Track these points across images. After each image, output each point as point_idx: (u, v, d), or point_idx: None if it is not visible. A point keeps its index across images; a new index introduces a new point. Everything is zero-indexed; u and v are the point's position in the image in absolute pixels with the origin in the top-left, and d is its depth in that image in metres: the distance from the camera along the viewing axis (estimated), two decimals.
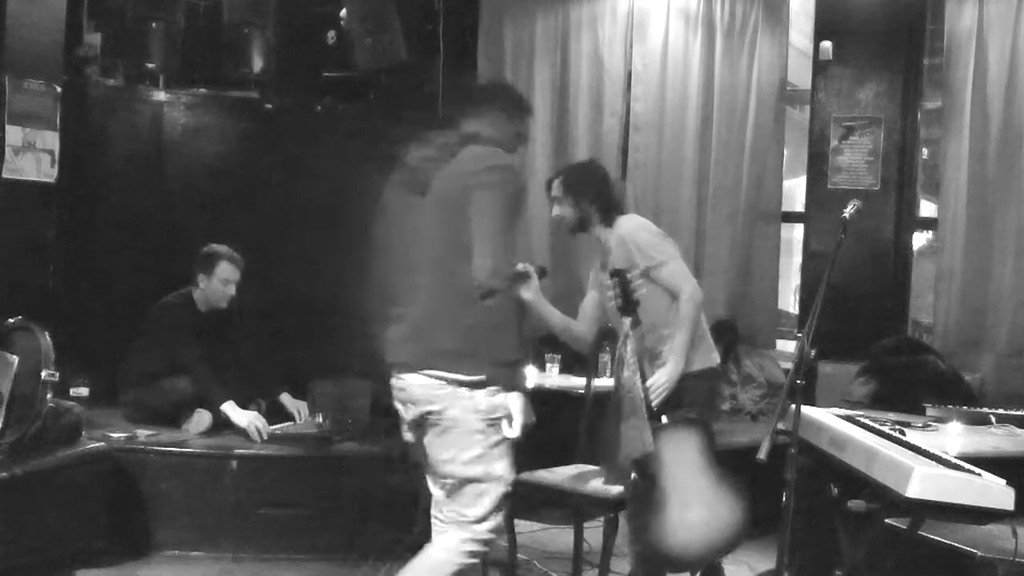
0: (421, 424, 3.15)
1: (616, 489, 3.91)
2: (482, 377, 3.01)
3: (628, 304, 3.66)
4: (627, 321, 3.70)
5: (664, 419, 3.75)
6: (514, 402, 3.07)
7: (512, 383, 3.06)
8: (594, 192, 4.09)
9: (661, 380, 3.80)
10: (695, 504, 3.61)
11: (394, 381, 3.18)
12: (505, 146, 3.25)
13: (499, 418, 3.05)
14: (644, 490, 3.71)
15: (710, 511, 3.67)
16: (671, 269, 3.98)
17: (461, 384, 3.01)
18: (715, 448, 3.76)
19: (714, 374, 4.13)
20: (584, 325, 4.13)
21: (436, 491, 3.18)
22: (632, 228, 4.05)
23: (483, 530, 3.06)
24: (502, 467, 3.08)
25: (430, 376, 3.04)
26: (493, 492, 3.07)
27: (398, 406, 3.22)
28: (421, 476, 3.32)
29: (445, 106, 6.90)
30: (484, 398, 3.03)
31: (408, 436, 3.28)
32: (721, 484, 3.68)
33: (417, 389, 3.08)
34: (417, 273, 3.11)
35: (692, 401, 3.88)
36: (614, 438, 3.87)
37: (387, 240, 3.27)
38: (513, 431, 3.08)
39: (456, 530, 3.07)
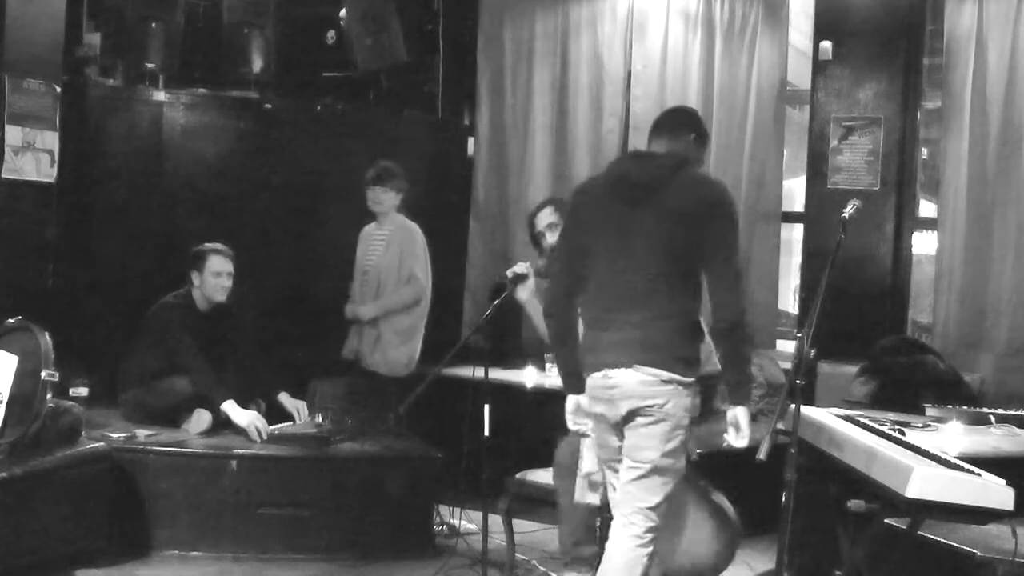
0: (629, 417, 3.30)
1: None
2: (694, 379, 3.30)
3: None
4: None
5: None
6: (743, 415, 3.28)
7: (742, 397, 3.30)
8: None
9: None
10: (675, 522, 3.60)
11: (598, 379, 3.34)
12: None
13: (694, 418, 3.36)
14: None
15: (691, 530, 3.67)
16: None
17: (680, 383, 3.26)
18: (696, 467, 3.76)
19: (707, 378, 4.14)
20: None
21: (625, 475, 3.34)
22: None
23: (658, 517, 3.30)
24: (683, 464, 3.35)
25: (651, 374, 3.25)
26: (671, 485, 3.32)
27: (591, 403, 3.39)
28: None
29: (444, 107, 6.93)
30: (694, 398, 3.32)
31: (599, 428, 3.43)
32: (705, 504, 3.67)
33: (638, 385, 3.26)
34: (641, 282, 3.29)
35: None
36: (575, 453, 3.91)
37: (597, 248, 3.39)
38: (741, 441, 3.31)
39: (640, 520, 3.30)
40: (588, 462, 3.85)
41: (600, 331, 3.37)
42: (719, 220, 3.27)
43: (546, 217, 4.26)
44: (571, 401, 3.54)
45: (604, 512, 3.91)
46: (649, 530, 3.29)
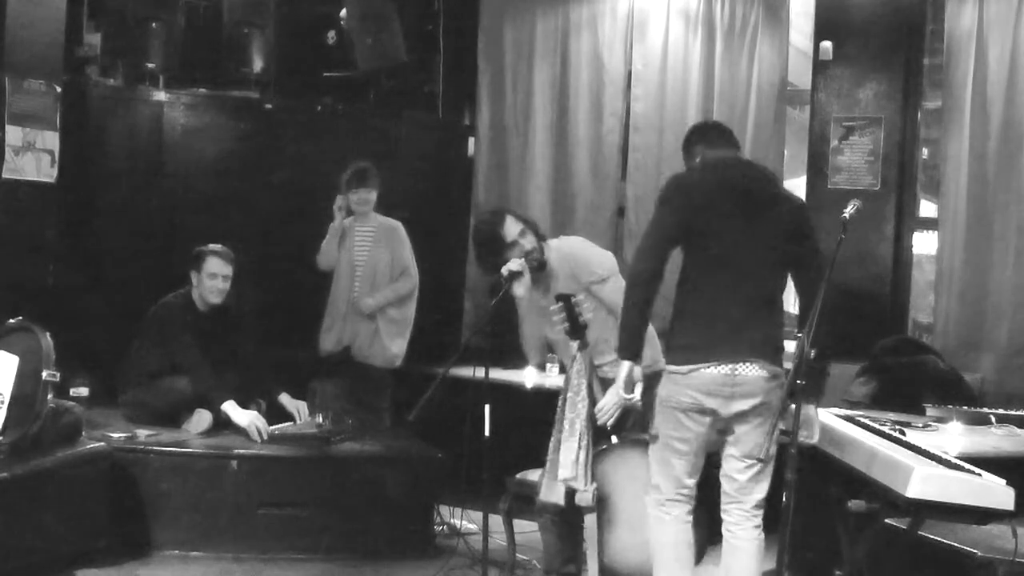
0: (743, 415, 3.40)
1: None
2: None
3: (576, 328, 3.76)
4: (575, 344, 3.74)
5: (614, 439, 3.77)
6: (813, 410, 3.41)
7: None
8: (532, 221, 4.28)
9: (611, 400, 3.74)
10: (644, 525, 3.59)
11: (717, 374, 3.39)
12: None
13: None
14: (599, 509, 3.74)
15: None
16: (612, 285, 4.01)
17: (782, 376, 3.42)
18: None
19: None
20: (535, 352, 4.33)
21: (744, 473, 3.44)
22: (575, 244, 4.21)
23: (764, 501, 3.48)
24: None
25: (768, 369, 3.40)
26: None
27: (701, 397, 3.40)
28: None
29: (444, 107, 6.93)
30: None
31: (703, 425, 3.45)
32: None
33: (759, 381, 3.39)
34: (760, 284, 3.47)
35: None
36: (553, 457, 3.89)
37: (708, 243, 3.48)
38: (812, 439, 3.47)
39: (759, 511, 3.45)
40: (567, 468, 3.79)
41: (719, 327, 3.42)
42: (807, 217, 3.60)
43: (514, 226, 4.16)
44: (625, 368, 3.49)
45: (574, 516, 3.93)
46: (763, 515, 3.47)
